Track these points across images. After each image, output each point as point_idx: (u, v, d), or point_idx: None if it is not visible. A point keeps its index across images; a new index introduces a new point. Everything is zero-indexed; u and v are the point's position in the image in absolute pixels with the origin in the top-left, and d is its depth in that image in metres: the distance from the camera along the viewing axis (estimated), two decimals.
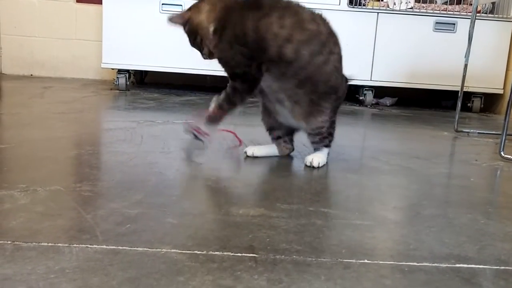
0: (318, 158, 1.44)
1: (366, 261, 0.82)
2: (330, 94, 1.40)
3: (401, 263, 0.81)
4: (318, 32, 1.34)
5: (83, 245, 0.80)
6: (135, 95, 2.99)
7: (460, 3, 3.21)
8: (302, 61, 1.32)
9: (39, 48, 3.79)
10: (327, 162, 1.47)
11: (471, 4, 3.08)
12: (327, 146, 1.48)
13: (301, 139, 1.57)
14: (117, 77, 3.20)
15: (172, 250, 0.80)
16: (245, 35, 1.31)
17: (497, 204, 1.22)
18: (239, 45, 1.31)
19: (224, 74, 1.41)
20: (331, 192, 1.22)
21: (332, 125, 1.45)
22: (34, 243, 0.80)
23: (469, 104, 3.30)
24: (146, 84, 3.75)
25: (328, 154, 1.49)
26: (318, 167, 1.43)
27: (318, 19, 1.37)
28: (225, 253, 0.81)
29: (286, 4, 1.35)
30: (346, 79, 1.49)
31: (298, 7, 1.36)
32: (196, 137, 1.39)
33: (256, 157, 1.51)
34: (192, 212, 0.99)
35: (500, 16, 3.18)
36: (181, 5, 3.08)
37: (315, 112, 1.40)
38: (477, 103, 3.30)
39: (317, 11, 1.40)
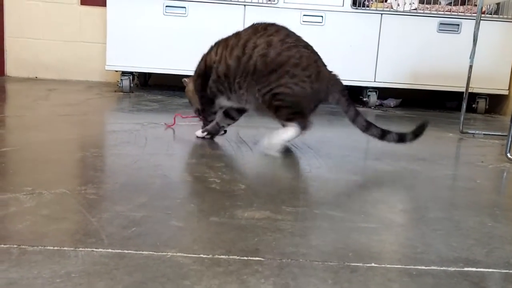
0: (266, 139, 1.62)
1: (373, 264, 0.81)
2: (267, 71, 1.57)
3: (409, 267, 0.81)
4: (237, 41, 1.62)
5: (88, 249, 0.80)
6: (139, 97, 2.99)
7: (464, 4, 3.20)
8: (232, 68, 1.61)
9: (44, 50, 3.80)
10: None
11: (476, 5, 3.07)
12: (288, 119, 1.57)
13: (304, 141, 1.57)
14: (121, 79, 3.20)
15: (178, 254, 0.80)
16: (201, 70, 1.74)
17: (504, 206, 1.21)
18: (200, 78, 1.74)
19: None
20: (336, 195, 1.22)
21: (281, 94, 1.54)
22: (40, 247, 0.79)
23: (474, 105, 3.28)
24: (150, 86, 3.76)
25: (299, 134, 1.57)
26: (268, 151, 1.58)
27: (246, 31, 1.64)
28: (230, 256, 0.80)
29: (228, 36, 1.69)
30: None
31: (236, 32, 1.67)
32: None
33: (263, 157, 1.51)
34: (197, 215, 0.99)
35: (505, 16, 3.17)
36: (184, 7, 3.09)
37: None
38: (482, 104, 3.29)
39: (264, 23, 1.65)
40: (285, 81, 1.54)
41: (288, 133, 1.56)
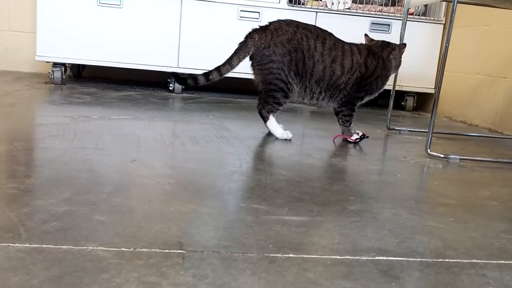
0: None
1: (291, 255, 0.84)
2: None
3: (324, 257, 0.85)
4: None
5: (4, 244, 0.78)
6: (71, 89, 2.91)
7: (395, 5, 3.33)
8: None
9: None
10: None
11: None
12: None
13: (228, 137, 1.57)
14: (53, 71, 3.10)
15: (98, 248, 0.80)
16: None
17: (420, 199, 1.29)
18: None
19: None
20: (262, 189, 1.25)
21: None
22: None
23: (402, 103, 3.43)
24: (83, 78, 3.66)
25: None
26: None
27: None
28: (152, 250, 0.81)
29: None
30: None
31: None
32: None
33: (192, 153, 1.52)
34: (122, 209, 0.99)
35: (432, 18, 3.33)
36: None
37: None
38: (410, 102, 3.44)
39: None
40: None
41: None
